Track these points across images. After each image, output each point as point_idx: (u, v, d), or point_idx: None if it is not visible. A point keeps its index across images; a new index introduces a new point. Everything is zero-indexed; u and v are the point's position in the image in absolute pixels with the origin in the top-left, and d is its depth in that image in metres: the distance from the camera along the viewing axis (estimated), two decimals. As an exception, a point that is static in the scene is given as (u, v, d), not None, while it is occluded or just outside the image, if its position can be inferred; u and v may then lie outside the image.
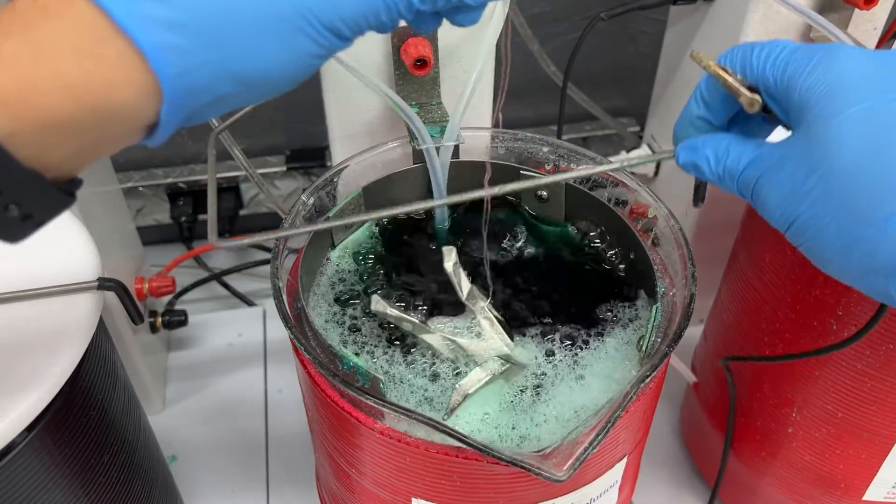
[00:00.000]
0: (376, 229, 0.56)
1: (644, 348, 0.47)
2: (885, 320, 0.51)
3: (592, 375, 0.47)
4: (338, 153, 0.67)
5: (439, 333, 0.48)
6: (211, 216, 0.44)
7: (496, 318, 0.49)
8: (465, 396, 0.46)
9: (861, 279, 0.34)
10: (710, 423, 0.72)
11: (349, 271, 0.54)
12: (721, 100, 0.40)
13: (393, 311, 0.47)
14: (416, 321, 0.48)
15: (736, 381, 0.66)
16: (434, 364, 0.48)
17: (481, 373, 0.47)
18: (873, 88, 0.33)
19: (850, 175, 0.33)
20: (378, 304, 0.47)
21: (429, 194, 0.56)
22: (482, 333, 0.49)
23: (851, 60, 0.34)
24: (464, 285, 0.49)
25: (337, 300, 0.52)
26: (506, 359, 0.48)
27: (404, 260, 0.55)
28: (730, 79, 0.38)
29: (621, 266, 0.54)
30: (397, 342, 0.49)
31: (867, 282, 0.34)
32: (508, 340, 0.49)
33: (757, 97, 0.38)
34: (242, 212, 1.04)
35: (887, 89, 0.33)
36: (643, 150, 0.90)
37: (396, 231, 0.57)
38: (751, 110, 0.38)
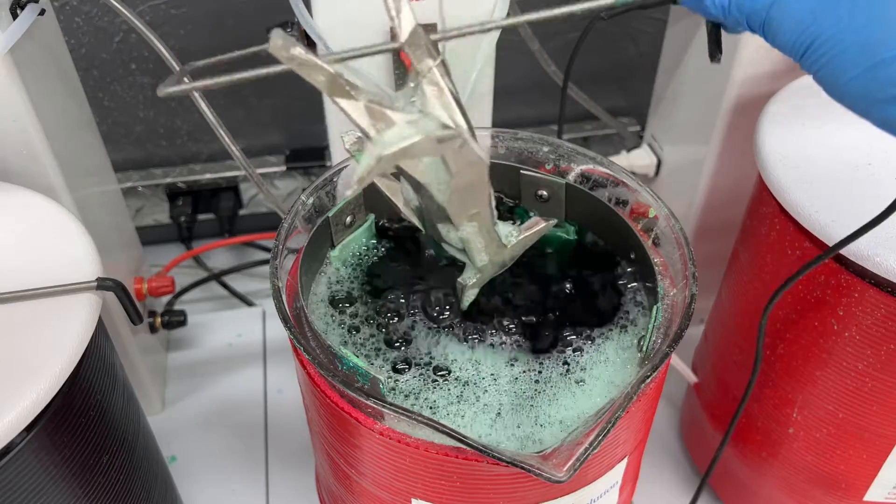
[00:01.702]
0: (376, 230, 0.56)
1: (644, 349, 0.46)
2: (885, 320, 0.51)
3: (592, 377, 0.47)
4: (338, 153, 0.67)
5: (364, 100, 0.34)
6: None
7: (449, 88, 0.36)
8: (379, 159, 0.34)
9: (877, 107, 0.32)
10: (711, 424, 0.72)
11: (349, 271, 0.54)
12: None
13: (299, 52, 0.32)
14: (329, 69, 0.33)
15: (736, 382, 0.66)
16: (433, 363, 0.48)
17: (407, 130, 0.34)
18: None
19: None
20: (279, 38, 0.32)
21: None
22: (427, 108, 0.36)
23: None
24: (404, 20, 0.35)
25: (337, 300, 0.52)
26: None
27: (405, 259, 0.55)
28: None
29: (621, 266, 0.54)
30: (398, 343, 0.49)
31: (883, 110, 0.32)
32: (460, 118, 0.36)
33: None
34: (242, 212, 1.04)
35: None
36: (644, 150, 0.90)
37: (397, 228, 0.57)
38: None
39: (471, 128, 0.37)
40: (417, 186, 0.40)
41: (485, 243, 0.44)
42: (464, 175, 0.38)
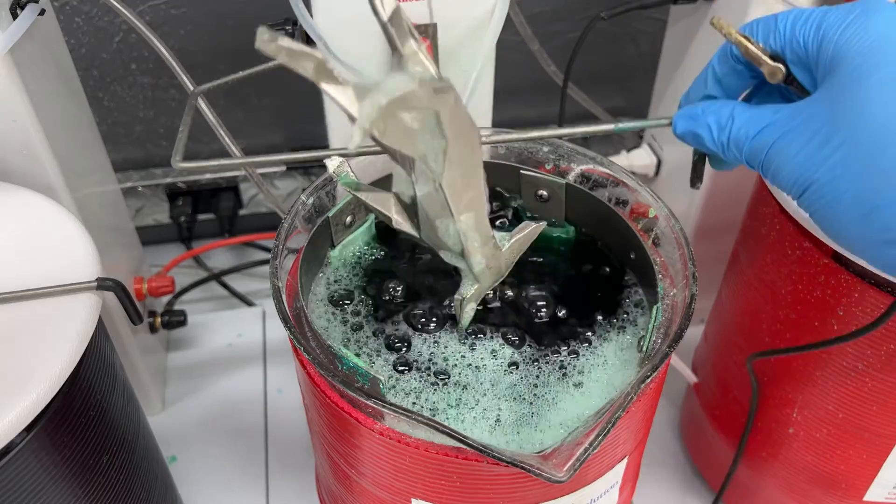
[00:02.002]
0: (376, 230, 0.56)
1: (644, 349, 0.46)
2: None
3: (591, 377, 0.47)
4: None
5: (350, 84, 0.34)
6: (181, 137, 0.47)
7: (434, 69, 0.36)
8: (380, 107, 0.33)
9: (875, 249, 0.32)
10: (711, 424, 0.72)
11: (349, 271, 0.54)
12: (735, 74, 0.38)
13: (286, 42, 0.32)
14: (317, 55, 0.33)
15: (736, 382, 0.66)
16: (433, 363, 0.48)
17: (401, 78, 0.34)
18: None
19: (875, 140, 0.31)
20: (264, 33, 0.32)
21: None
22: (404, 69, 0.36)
23: (890, 17, 0.32)
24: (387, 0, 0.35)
25: (337, 300, 0.52)
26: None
27: (405, 258, 0.55)
28: (752, 47, 0.37)
29: (622, 266, 0.54)
30: (398, 345, 0.49)
31: (881, 252, 0.32)
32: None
33: (780, 66, 0.36)
34: (242, 212, 1.03)
35: None
36: (644, 150, 0.90)
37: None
38: (773, 80, 0.37)
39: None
40: (412, 167, 0.39)
41: (481, 240, 0.43)
42: (458, 143, 0.37)
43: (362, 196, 0.44)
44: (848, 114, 0.31)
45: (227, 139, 0.64)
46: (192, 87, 0.62)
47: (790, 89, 0.38)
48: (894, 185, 0.30)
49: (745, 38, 0.38)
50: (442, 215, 0.42)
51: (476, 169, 0.40)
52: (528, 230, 0.46)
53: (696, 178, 0.46)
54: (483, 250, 0.44)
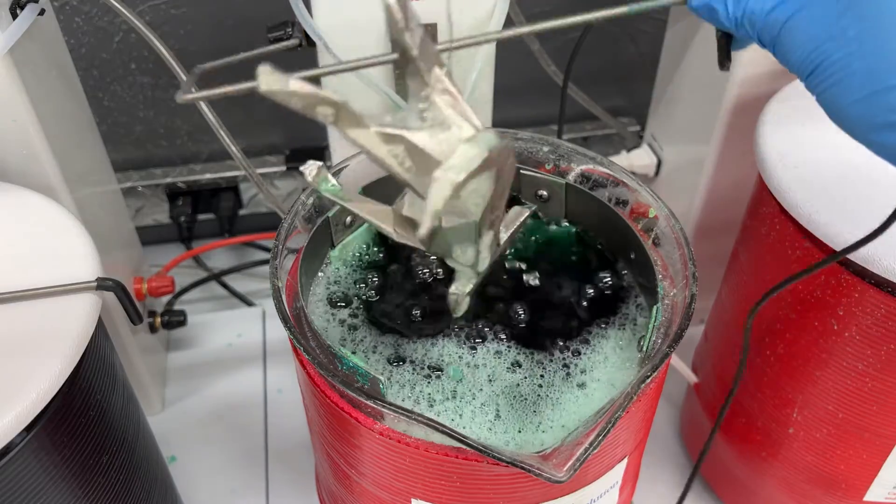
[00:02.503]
0: (376, 230, 0.56)
1: (645, 349, 0.46)
2: (885, 320, 0.51)
3: (592, 378, 0.47)
4: (337, 153, 0.67)
5: (374, 127, 0.32)
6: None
7: (457, 91, 0.34)
8: (455, 186, 0.31)
9: (876, 132, 0.32)
10: (711, 424, 0.72)
11: (349, 271, 0.54)
12: None
13: (300, 85, 0.29)
14: (336, 99, 0.30)
15: (737, 382, 0.66)
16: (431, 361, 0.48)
17: (472, 149, 0.31)
18: None
19: (891, 14, 0.31)
20: (267, 73, 0.29)
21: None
22: (444, 119, 0.33)
23: None
24: (413, 28, 0.32)
25: (337, 300, 0.52)
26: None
27: (405, 259, 0.55)
28: None
29: (622, 266, 0.54)
30: (398, 345, 0.49)
31: (881, 135, 0.32)
32: (477, 121, 0.34)
33: None
34: (242, 212, 1.03)
35: None
36: (644, 150, 0.90)
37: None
38: None
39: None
40: (451, 208, 0.36)
41: (492, 250, 0.42)
42: (500, 182, 0.35)
43: (353, 208, 0.41)
44: None
45: (226, 139, 0.64)
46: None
47: None
48: None
49: None
50: (464, 242, 0.40)
51: (504, 195, 0.38)
52: (522, 219, 0.44)
53: (723, 57, 0.43)
54: (490, 254, 0.42)
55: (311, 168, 0.41)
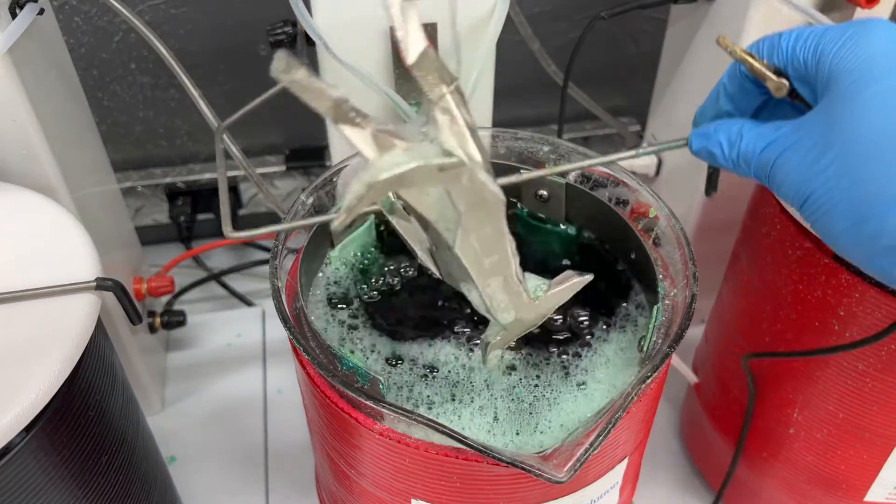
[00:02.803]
0: (376, 229, 0.56)
1: (645, 349, 0.46)
2: (885, 320, 0.50)
3: (593, 378, 0.47)
4: (337, 152, 0.67)
5: (371, 128, 0.32)
6: (224, 210, 0.44)
7: (464, 117, 0.33)
8: (371, 186, 0.31)
9: (867, 259, 0.34)
10: (712, 424, 0.72)
11: (349, 271, 0.54)
12: (744, 92, 0.40)
13: (302, 75, 0.30)
14: (335, 94, 0.31)
15: (736, 382, 0.66)
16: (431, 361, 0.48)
17: (400, 157, 0.32)
18: None
19: (864, 153, 0.33)
20: (282, 60, 0.30)
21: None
22: (435, 135, 0.33)
23: (881, 36, 0.34)
24: (412, 40, 0.32)
25: (337, 300, 0.52)
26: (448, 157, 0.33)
27: (405, 259, 0.55)
28: (757, 63, 0.38)
29: (622, 266, 0.54)
30: (397, 346, 0.49)
31: (873, 262, 0.34)
32: (477, 156, 0.34)
33: (784, 81, 0.38)
34: (241, 212, 1.03)
35: None
36: (644, 150, 0.90)
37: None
38: (778, 94, 0.38)
39: (486, 161, 0.34)
40: (425, 225, 0.37)
41: (510, 300, 0.40)
42: (474, 214, 0.35)
43: (395, 223, 0.41)
44: (841, 128, 0.33)
45: (226, 139, 0.64)
46: (192, 88, 0.62)
47: (796, 103, 0.40)
48: (882, 196, 0.32)
49: (750, 55, 0.39)
50: (465, 279, 0.39)
51: (499, 236, 0.37)
52: (570, 283, 0.42)
53: (710, 187, 0.49)
54: (512, 307, 0.41)
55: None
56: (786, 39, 0.38)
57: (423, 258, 0.43)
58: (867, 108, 0.33)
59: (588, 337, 0.49)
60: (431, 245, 0.42)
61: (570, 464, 0.37)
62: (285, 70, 0.30)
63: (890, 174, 0.32)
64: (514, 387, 0.46)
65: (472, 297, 0.41)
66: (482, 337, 0.43)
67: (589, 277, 0.42)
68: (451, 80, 0.33)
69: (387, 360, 0.48)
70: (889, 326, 0.49)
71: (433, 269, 0.43)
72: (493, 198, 0.35)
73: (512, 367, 0.47)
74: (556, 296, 0.42)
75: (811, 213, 0.35)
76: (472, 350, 0.48)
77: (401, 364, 0.48)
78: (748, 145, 0.38)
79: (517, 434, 0.44)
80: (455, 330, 0.50)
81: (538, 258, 0.55)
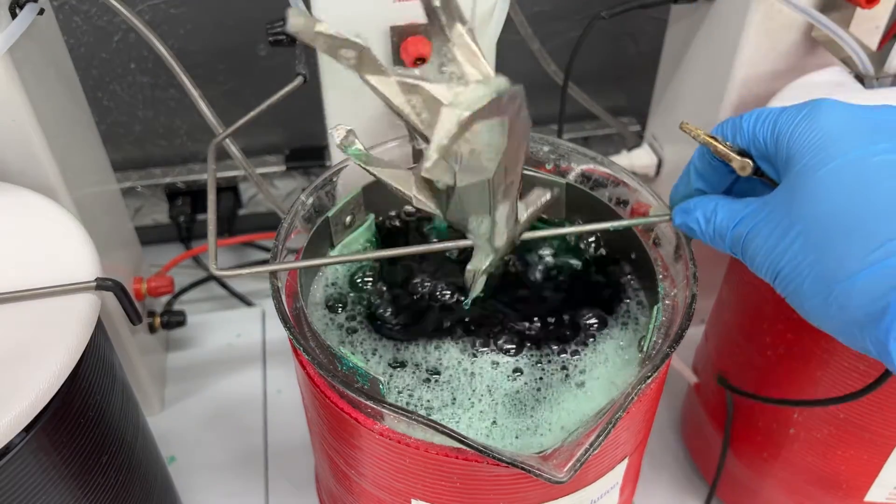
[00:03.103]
0: (376, 228, 0.56)
1: (645, 349, 0.46)
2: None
3: (593, 378, 0.47)
4: (337, 152, 0.67)
5: (395, 76, 0.33)
6: (211, 244, 0.44)
7: (477, 48, 0.34)
8: (461, 122, 0.31)
9: (839, 330, 0.35)
10: (712, 425, 0.72)
11: (349, 271, 0.54)
12: (713, 169, 0.42)
13: (326, 27, 0.30)
14: (360, 42, 0.32)
15: (737, 382, 0.66)
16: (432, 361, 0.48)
17: (480, 89, 0.32)
18: (850, 144, 0.35)
19: (825, 229, 0.34)
20: (299, 16, 0.30)
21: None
22: (462, 74, 0.34)
23: (832, 115, 0.36)
24: None
25: (336, 301, 0.52)
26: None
27: (405, 260, 0.54)
28: (720, 146, 0.40)
29: (622, 266, 0.54)
30: (397, 345, 0.49)
31: (845, 333, 0.35)
32: (505, 82, 0.34)
33: (748, 161, 0.40)
34: (241, 212, 1.03)
35: (864, 144, 0.34)
36: (644, 150, 0.90)
37: (397, 228, 0.57)
38: (743, 173, 0.40)
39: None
40: (458, 160, 0.36)
41: (508, 223, 0.41)
42: (513, 140, 0.35)
43: (376, 171, 0.41)
44: (801, 206, 0.35)
45: (227, 140, 0.64)
46: (192, 87, 0.62)
47: (764, 181, 0.41)
48: (844, 270, 0.33)
49: (713, 138, 0.41)
50: (480, 211, 0.40)
51: (520, 159, 0.38)
52: (542, 201, 0.43)
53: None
54: (507, 229, 0.41)
55: (339, 131, 0.41)
56: (746, 121, 0.39)
57: (420, 198, 0.41)
58: (824, 186, 0.34)
59: (589, 336, 0.49)
60: (443, 185, 0.41)
61: (570, 464, 0.37)
62: (306, 24, 0.30)
63: (850, 249, 0.33)
64: (518, 391, 0.46)
65: (482, 228, 0.41)
66: (469, 268, 0.43)
67: (557, 192, 0.44)
68: (464, 20, 0.34)
69: (388, 363, 0.48)
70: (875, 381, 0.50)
71: (432, 207, 0.42)
72: (528, 120, 0.36)
73: (518, 371, 0.47)
74: (532, 215, 0.43)
75: (783, 289, 0.37)
76: (475, 356, 0.48)
77: (401, 368, 0.48)
78: (722, 221, 0.40)
79: (517, 438, 0.44)
80: (457, 333, 0.50)
81: (538, 259, 0.55)
